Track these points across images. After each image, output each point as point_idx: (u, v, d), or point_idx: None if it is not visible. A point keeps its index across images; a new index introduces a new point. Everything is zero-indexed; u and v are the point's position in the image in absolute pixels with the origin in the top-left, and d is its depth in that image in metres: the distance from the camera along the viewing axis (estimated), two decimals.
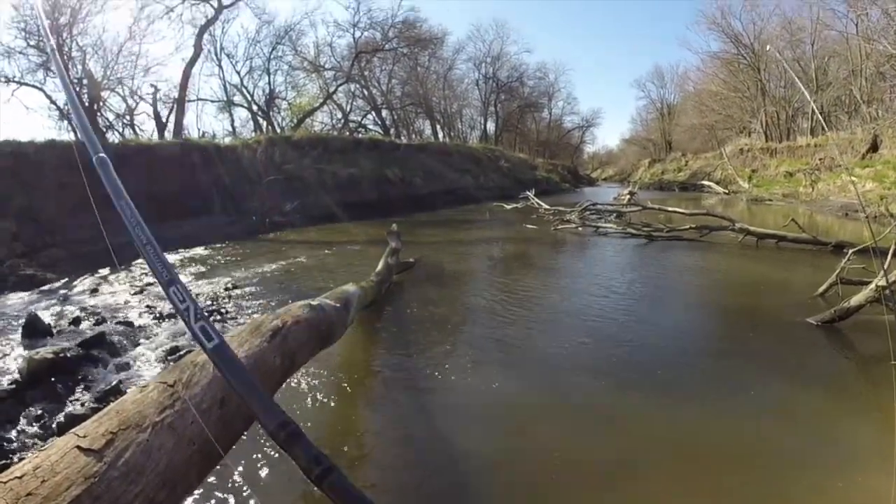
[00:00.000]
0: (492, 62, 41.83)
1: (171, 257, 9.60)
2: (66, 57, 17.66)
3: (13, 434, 3.06)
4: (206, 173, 15.20)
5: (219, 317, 5.51)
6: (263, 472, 2.64)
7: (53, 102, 18.83)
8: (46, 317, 5.39)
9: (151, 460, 1.46)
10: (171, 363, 3.78)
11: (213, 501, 2.42)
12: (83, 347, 4.24)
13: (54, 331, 4.97)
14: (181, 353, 4.30)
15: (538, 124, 49.48)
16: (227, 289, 6.82)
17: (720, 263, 8.46)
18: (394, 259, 6.94)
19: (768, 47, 26.34)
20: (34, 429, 3.13)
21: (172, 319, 5.42)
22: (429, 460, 2.87)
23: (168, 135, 20.16)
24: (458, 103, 41.36)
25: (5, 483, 1.22)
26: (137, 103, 21.80)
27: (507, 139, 44.43)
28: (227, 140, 20.56)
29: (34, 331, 4.83)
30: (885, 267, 4.47)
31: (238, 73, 26.05)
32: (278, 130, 24.70)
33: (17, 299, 6.62)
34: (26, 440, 3.01)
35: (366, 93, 30.91)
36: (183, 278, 7.60)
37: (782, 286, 6.69)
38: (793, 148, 25.36)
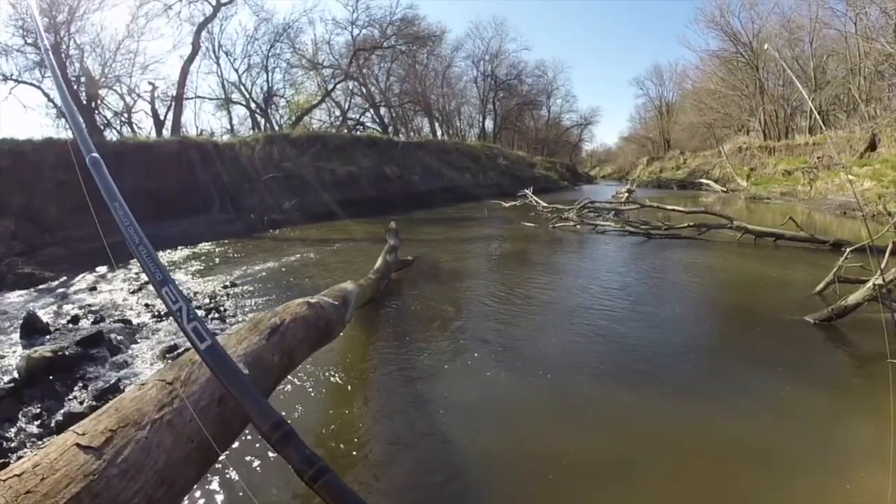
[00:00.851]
0: (490, 60, 41.84)
1: (170, 255, 9.60)
2: (63, 55, 17.61)
3: (12, 432, 3.06)
4: (204, 171, 15.16)
5: (217, 315, 5.51)
6: (262, 471, 2.65)
7: (51, 100, 18.82)
8: (45, 315, 5.39)
9: (150, 458, 1.47)
10: (170, 361, 3.78)
11: (210, 500, 2.43)
12: (82, 346, 4.24)
13: (53, 329, 4.97)
14: (179, 350, 4.31)
15: (537, 122, 49.44)
16: (225, 287, 6.82)
17: (718, 261, 8.47)
18: (392, 257, 6.94)
19: (767, 46, 26.34)
20: (33, 427, 3.13)
21: (171, 317, 5.41)
22: (426, 460, 2.86)
23: (166, 133, 20.15)
24: (457, 101, 41.37)
25: (4, 481, 1.22)
26: (135, 101, 21.81)
27: (505, 137, 44.38)
28: (226, 138, 20.52)
29: (32, 329, 4.82)
30: (883, 265, 4.49)
31: (236, 70, 26.05)
32: (276, 128, 24.64)
33: (15, 298, 6.61)
34: (25, 438, 3.01)
35: (364, 90, 30.88)
36: (181, 276, 7.63)
37: (780, 284, 6.71)
38: (791, 146, 25.36)
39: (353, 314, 4.21)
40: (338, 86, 28.71)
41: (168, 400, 1.67)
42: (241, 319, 5.28)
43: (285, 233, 13.02)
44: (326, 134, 22.96)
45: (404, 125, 35.29)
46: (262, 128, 24.65)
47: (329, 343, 3.42)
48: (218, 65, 25.08)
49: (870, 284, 4.65)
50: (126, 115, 21.57)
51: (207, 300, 6.15)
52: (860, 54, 22.59)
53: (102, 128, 19.62)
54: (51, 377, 3.70)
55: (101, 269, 7.89)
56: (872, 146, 18.85)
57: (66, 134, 18.69)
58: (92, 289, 6.87)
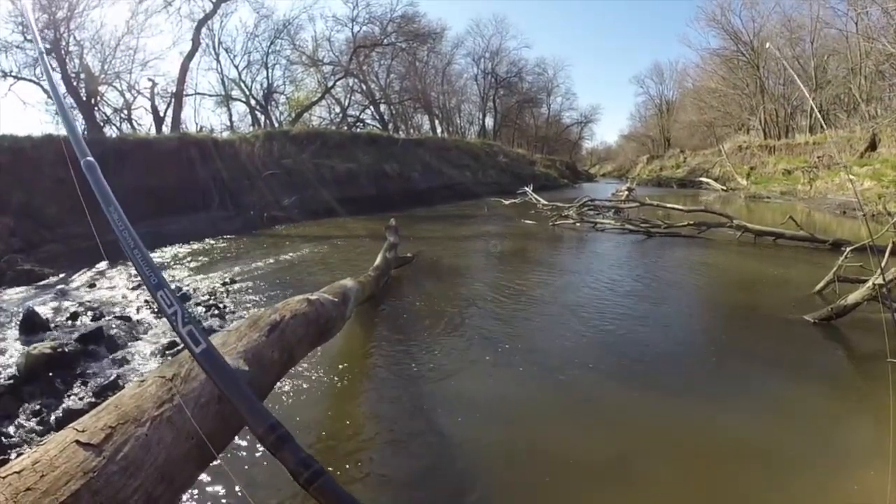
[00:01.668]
0: (491, 57, 41.76)
1: (170, 252, 9.59)
2: (63, 52, 17.54)
3: (11, 429, 3.05)
4: (204, 168, 15.11)
5: (217, 312, 5.51)
6: (261, 469, 2.64)
7: (51, 97, 18.74)
8: (44, 312, 5.38)
9: (150, 455, 1.47)
10: (170, 357, 3.78)
11: (207, 499, 2.43)
12: (81, 342, 4.24)
13: (52, 326, 4.96)
14: (179, 347, 4.30)
15: (537, 120, 49.41)
16: (225, 284, 6.81)
17: (718, 260, 8.48)
18: (392, 254, 6.94)
19: (768, 45, 26.31)
20: (32, 424, 3.13)
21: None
22: (424, 459, 2.86)
23: (166, 129, 20.10)
24: (457, 98, 41.31)
25: (4, 478, 1.22)
26: (135, 98, 21.74)
27: (505, 134, 44.36)
28: (226, 134, 20.47)
29: (32, 326, 4.81)
30: (883, 265, 4.48)
31: (236, 67, 25.95)
32: (276, 125, 24.60)
33: (14, 294, 6.60)
34: (24, 435, 3.01)
35: (364, 87, 30.81)
36: (181, 273, 7.63)
37: (780, 283, 6.71)
38: (791, 145, 25.35)
39: (353, 311, 4.20)
40: (338, 83, 28.69)
41: (168, 397, 1.67)
42: (240, 316, 5.28)
43: (285, 230, 13.01)
44: (326, 131, 22.92)
45: (404, 122, 35.24)
46: (262, 124, 24.61)
47: (329, 340, 3.42)
48: (218, 61, 25.04)
49: (869, 284, 4.65)
50: (126, 111, 21.53)
51: (207, 297, 6.14)
52: (861, 54, 22.56)
53: (102, 124, 19.57)
54: (50, 374, 3.70)
55: (101, 266, 7.87)
56: (873, 146, 18.84)
57: (64, 130, 18.63)
58: (91, 285, 6.86)
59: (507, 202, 17.44)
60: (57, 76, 17.24)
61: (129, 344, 4.55)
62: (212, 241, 10.86)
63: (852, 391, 3.66)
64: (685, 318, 5.66)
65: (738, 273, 7.70)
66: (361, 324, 5.03)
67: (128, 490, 1.35)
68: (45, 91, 18.41)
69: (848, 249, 5.74)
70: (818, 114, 24.17)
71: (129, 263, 6.54)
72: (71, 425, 1.46)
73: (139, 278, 6.58)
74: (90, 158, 1.62)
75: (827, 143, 21.32)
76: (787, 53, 26.57)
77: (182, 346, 4.08)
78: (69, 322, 5.14)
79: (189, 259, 8.95)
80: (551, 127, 51.14)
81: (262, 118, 25.96)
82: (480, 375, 3.92)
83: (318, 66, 28.07)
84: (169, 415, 1.59)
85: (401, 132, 31.17)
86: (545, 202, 15.27)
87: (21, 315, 5.03)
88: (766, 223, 10.71)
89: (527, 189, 17.33)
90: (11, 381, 3.53)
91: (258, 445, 2.80)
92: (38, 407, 3.29)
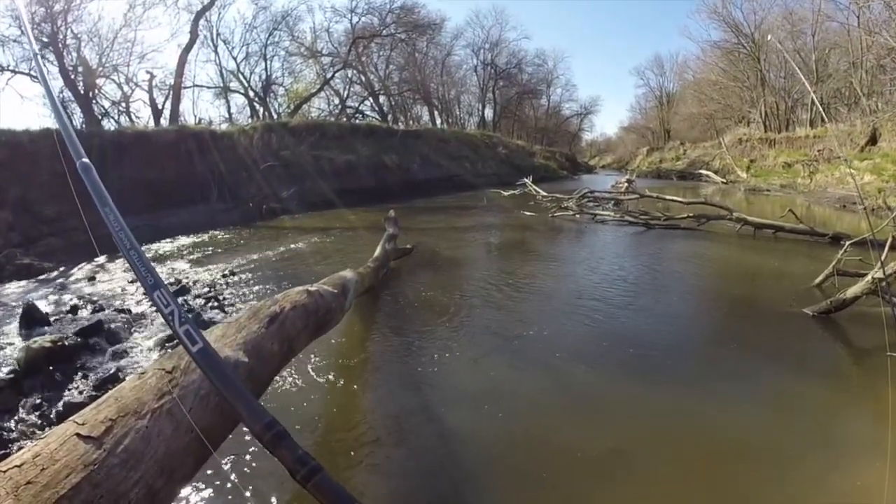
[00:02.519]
0: (490, 48, 41.54)
1: (169, 245, 9.58)
2: (60, 45, 17.41)
3: (12, 423, 3.06)
4: (202, 160, 15.08)
5: (216, 303, 5.51)
6: (259, 463, 2.64)
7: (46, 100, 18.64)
8: (44, 305, 5.38)
9: (150, 447, 1.47)
10: (169, 350, 3.78)
11: (208, 491, 2.43)
12: (81, 336, 4.24)
13: (52, 319, 4.96)
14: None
15: (536, 111, 49.21)
16: (224, 275, 6.81)
17: (717, 252, 8.48)
18: (391, 245, 6.94)
19: (769, 37, 26.17)
20: (33, 417, 3.13)
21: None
22: (423, 453, 2.86)
23: (164, 122, 20.01)
24: (456, 89, 41.16)
25: (5, 472, 1.22)
26: (133, 90, 21.61)
27: (505, 126, 44.20)
28: (224, 126, 20.40)
29: (32, 320, 4.81)
30: (882, 259, 4.48)
31: (234, 59, 25.84)
32: (275, 117, 24.52)
33: (14, 288, 6.61)
34: (25, 429, 3.02)
35: (363, 79, 30.72)
36: (180, 265, 7.63)
37: (779, 276, 6.72)
38: (792, 139, 25.28)
39: (353, 302, 4.20)
40: (336, 74, 28.58)
41: (168, 389, 1.67)
42: (240, 308, 5.28)
43: (283, 222, 13.00)
44: (325, 122, 22.85)
45: (403, 114, 35.13)
46: (261, 116, 24.54)
47: (328, 331, 3.42)
48: (216, 53, 24.91)
49: (869, 278, 4.66)
50: (124, 104, 21.41)
51: (206, 289, 6.14)
52: (862, 47, 22.43)
53: (100, 117, 19.48)
54: (50, 367, 3.70)
55: (100, 260, 7.86)
56: (873, 140, 18.79)
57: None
58: (90, 279, 6.86)
59: (506, 193, 17.42)
60: (55, 82, 17.16)
61: (129, 337, 4.55)
62: (211, 234, 10.85)
63: (851, 385, 3.66)
64: (684, 310, 5.66)
65: (737, 266, 7.70)
66: (361, 315, 5.03)
67: (128, 483, 1.36)
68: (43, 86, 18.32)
69: (847, 243, 5.75)
70: (819, 107, 24.09)
71: None
72: (71, 418, 1.46)
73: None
74: (85, 160, 1.61)
75: (827, 137, 21.27)
76: (789, 46, 26.41)
77: None
78: (69, 315, 5.14)
79: (188, 251, 8.94)
80: (551, 118, 50.94)
81: (261, 110, 25.88)
82: (480, 368, 3.92)
83: (317, 57, 27.96)
84: (169, 407, 1.60)
85: (400, 123, 31.10)
86: (544, 193, 15.25)
87: (21, 309, 5.02)
88: (765, 216, 10.70)
89: (526, 180, 17.31)
90: (12, 375, 3.52)
91: (251, 442, 2.81)
92: (38, 400, 3.30)
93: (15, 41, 17.20)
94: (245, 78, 26.22)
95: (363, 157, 19.87)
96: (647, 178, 32.96)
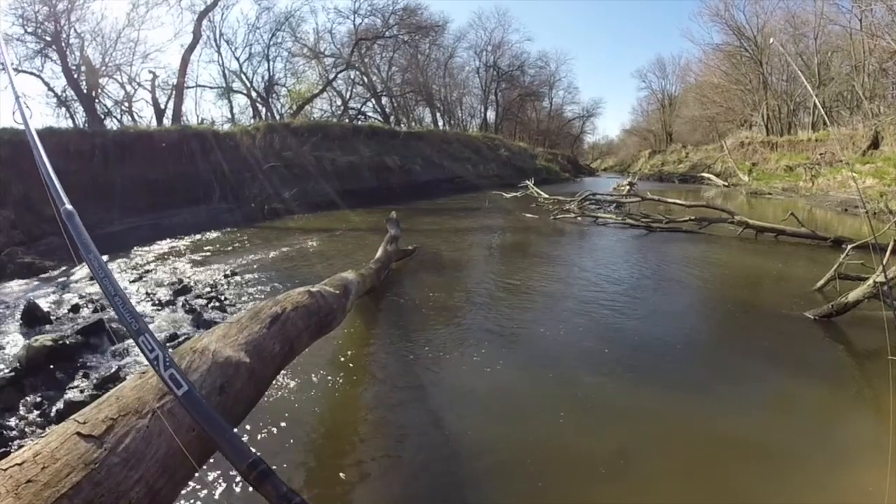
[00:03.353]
0: (493, 50, 41.51)
1: (170, 245, 9.59)
2: (63, 44, 17.46)
3: (13, 422, 3.06)
4: (204, 160, 15.09)
5: (218, 304, 5.51)
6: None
7: (51, 90, 18.73)
8: (45, 304, 5.39)
9: (151, 446, 1.47)
10: (171, 349, 3.78)
11: (208, 491, 2.44)
12: (82, 334, 4.24)
13: (53, 318, 4.97)
14: (180, 339, 4.32)
15: (538, 113, 49.21)
16: (226, 276, 6.81)
17: (719, 255, 8.47)
18: (393, 246, 6.94)
19: (771, 40, 26.18)
20: (33, 416, 3.14)
21: (171, 306, 5.43)
22: (424, 455, 2.85)
23: (167, 122, 20.04)
24: (459, 91, 41.13)
25: (5, 470, 1.22)
26: (136, 90, 21.64)
27: (507, 128, 44.20)
28: (226, 127, 20.41)
29: (33, 318, 4.82)
30: (884, 263, 4.48)
31: (237, 59, 25.81)
32: (277, 117, 24.50)
33: (15, 287, 6.62)
34: (26, 427, 3.02)
35: (365, 80, 30.70)
36: (182, 265, 7.64)
37: (780, 280, 6.71)
38: (794, 142, 25.24)
39: (354, 304, 4.21)
40: (339, 75, 28.57)
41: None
42: (241, 308, 5.28)
43: (286, 222, 13.00)
44: (327, 123, 22.86)
45: (406, 115, 35.13)
46: (263, 117, 24.52)
47: (329, 332, 3.42)
48: (219, 53, 24.88)
49: (870, 282, 4.65)
50: (126, 104, 21.44)
51: (208, 289, 6.14)
52: (865, 51, 22.40)
53: (103, 117, 19.51)
54: (51, 366, 3.71)
55: (102, 259, 7.85)
56: (875, 144, 18.76)
57: (66, 122, 18.55)
58: (92, 278, 6.85)
59: (508, 195, 17.40)
60: (58, 81, 17.15)
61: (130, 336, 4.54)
62: (213, 234, 10.85)
63: (852, 388, 3.66)
64: (685, 313, 5.66)
65: (738, 269, 7.69)
66: (362, 316, 5.03)
67: (129, 482, 1.36)
68: (46, 83, 18.42)
69: (849, 247, 5.74)
70: (821, 110, 24.06)
71: (132, 255, 6.57)
72: (72, 417, 1.46)
73: (141, 269, 6.59)
74: (69, 207, 1.63)
75: (829, 141, 21.23)
76: (791, 49, 26.38)
77: (183, 337, 4.09)
78: (70, 314, 5.15)
79: (190, 251, 8.95)
80: (553, 120, 50.92)
81: (263, 110, 25.88)
82: (482, 370, 3.92)
83: (320, 58, 27.98)
84: (170, 407, 1.59)
85: (402, 125, 31.10)
86: (546, 196, 15.24)
87: (22, 307, 5.03)
88: (767, 219, 10.69)
89: (528, 182, 17.29)
90: (13, 374, 3.52)
91: (257, 439, 2.82)
92: (39, 399, 3.30)
93: (18, 39, 17.19)
94: (248, 78, 26.26)
95: (365, 159, 19.89)
96: (648, 180, 32.99)
